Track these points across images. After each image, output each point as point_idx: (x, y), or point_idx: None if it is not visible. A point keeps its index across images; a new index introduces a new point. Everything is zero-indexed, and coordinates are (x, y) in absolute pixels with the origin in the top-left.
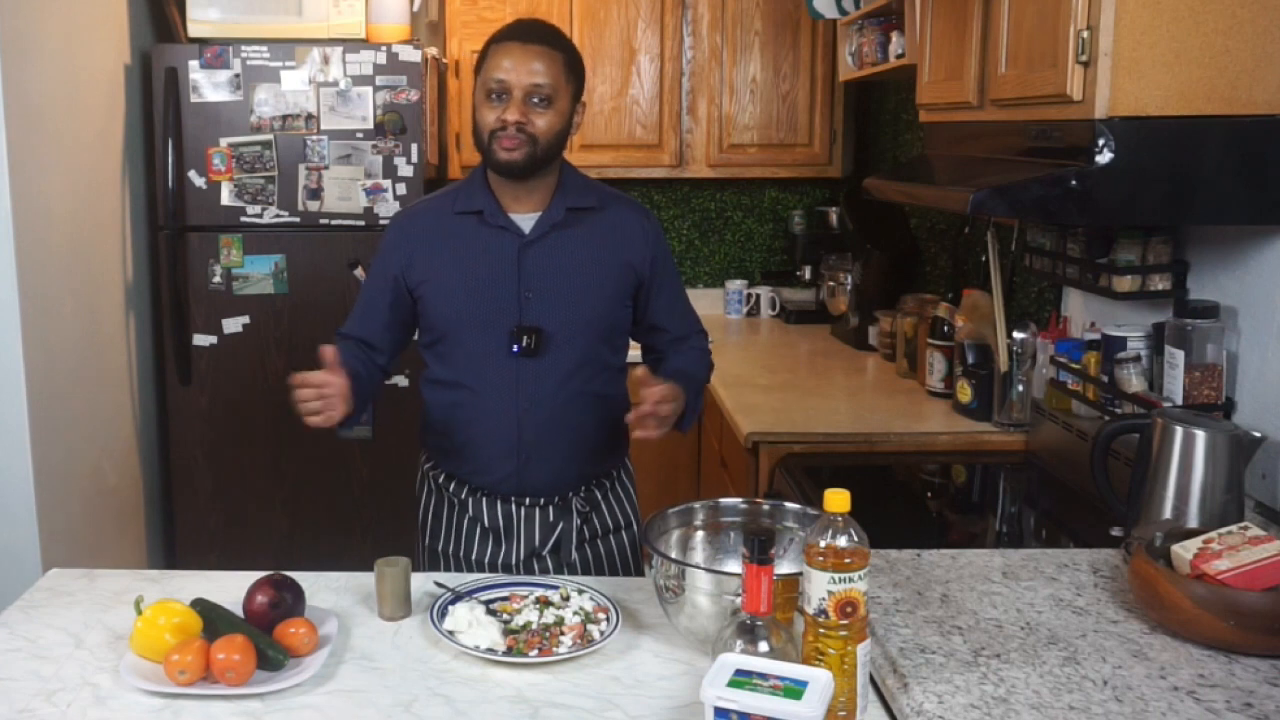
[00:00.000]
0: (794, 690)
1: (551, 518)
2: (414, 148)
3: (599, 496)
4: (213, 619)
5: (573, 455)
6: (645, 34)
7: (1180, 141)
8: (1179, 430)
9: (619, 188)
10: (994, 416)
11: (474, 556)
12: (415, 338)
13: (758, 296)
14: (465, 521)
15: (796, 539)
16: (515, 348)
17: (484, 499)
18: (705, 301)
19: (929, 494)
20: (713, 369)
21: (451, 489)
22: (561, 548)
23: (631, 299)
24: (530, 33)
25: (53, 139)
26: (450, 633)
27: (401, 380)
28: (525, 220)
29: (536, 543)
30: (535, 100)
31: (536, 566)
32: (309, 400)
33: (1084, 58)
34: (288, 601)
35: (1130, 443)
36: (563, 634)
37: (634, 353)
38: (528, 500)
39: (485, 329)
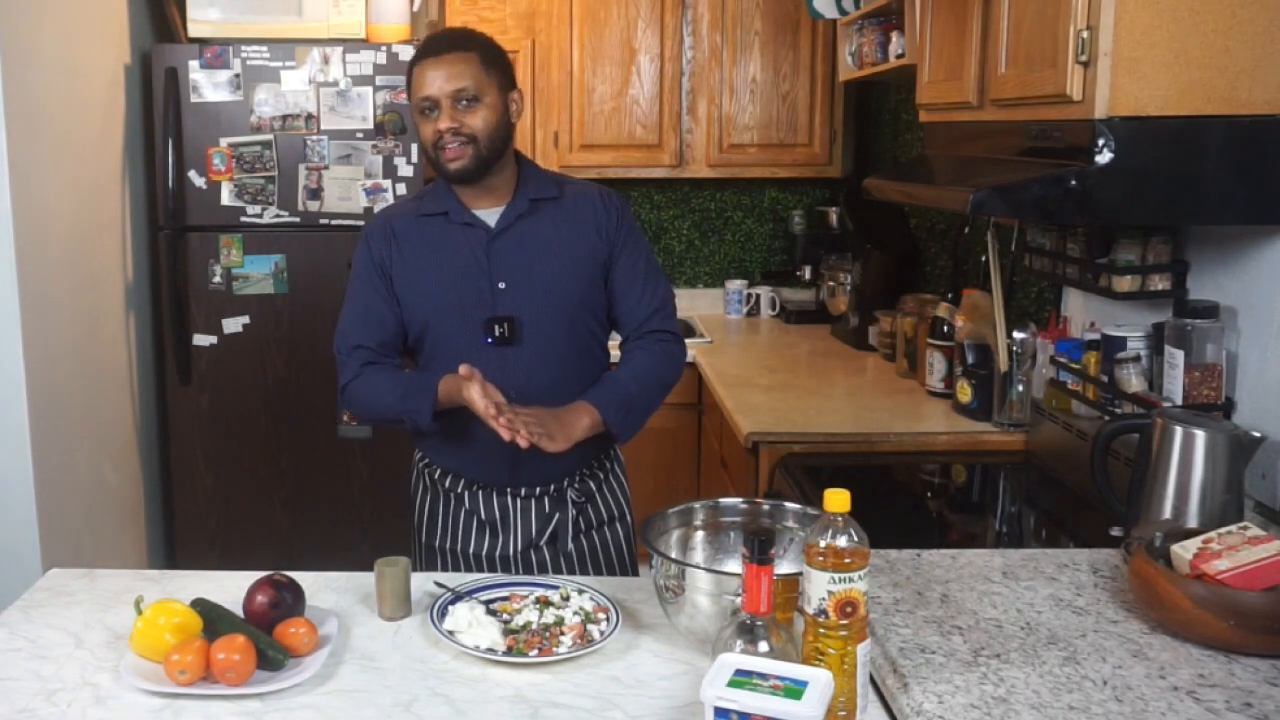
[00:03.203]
0: (794, 690)
1: (547, 508)
2: (414, 148)
3: (593, 487)
4: (213, 619)
5: None
6: (645, 34)
7: (1180, 141)
8: (1179, 430)
9: (619, 187)
10: (994, 416)
11: (471, 550)
12: None
13: (758, 296)
14: (461, 515)
15: (796, 539)
16: (489, 338)
17: (479, 491)
18: (705, 301)
19: (929, 494)
20: (671, 367)
21: (447, 484)
22: (558, 538)
23: (603, 278)
24: (440, 44)
25: (53, 139)
26: (450, 633)
27: None
28: (490, 215)
29: (533, 534)
30: (462, 103)
31: (534, 558)
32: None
33: (1084, 58)
34: (288, 601)
35: (1130, 443)
36: (563, 634)
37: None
38: (523, 491)
39: (462, 323)
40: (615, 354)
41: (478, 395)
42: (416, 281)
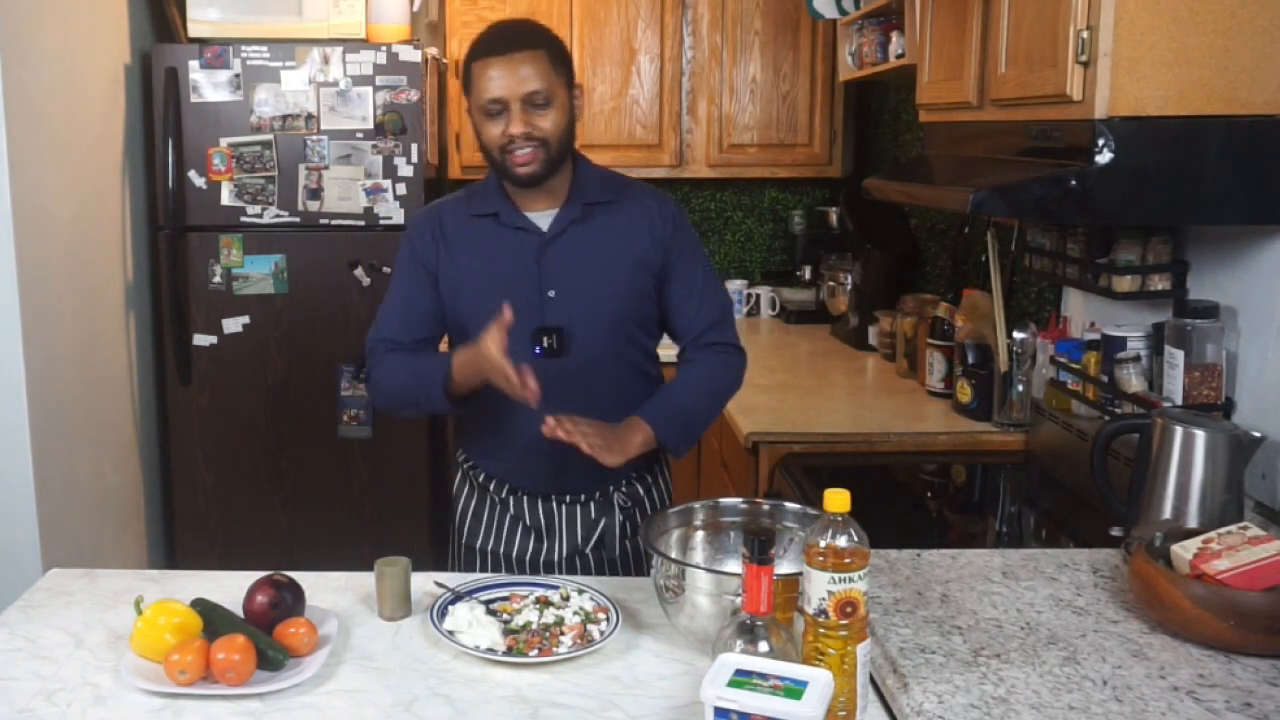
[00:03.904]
0: (794, 690)
1: (594, 514)
2: (414, 148)
3: (641, 492)
4: (213, 619)
5: None
6: (645, 34)
7: (1180, 141)
8: (1179, 430)
9: None
10: (994, 416)
11: (515, 554)
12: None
13: (758, 296)
14: (506, 520)
15: (796, 539)
16: (537, 349)
17: (525, 498)
18: None
19: (929, 494)
20: (731, 380)
21: (492, 488)
22: (606, 543)
23: (656, 289)
24: (506, 41)
25: (53, 139)
26: (450, 633)
27: None
28: (542, 218)
29: (579, 540)
30: (533, 105)
31: (579, 564)
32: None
33: (1084, 58)
34: (288, 601)
35: (1130, 443)
36: (563, 634)
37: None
38: (568, 498)
39: (509, 331)
40: (664, 355)
41: (493, 343)
42: (463, 285)
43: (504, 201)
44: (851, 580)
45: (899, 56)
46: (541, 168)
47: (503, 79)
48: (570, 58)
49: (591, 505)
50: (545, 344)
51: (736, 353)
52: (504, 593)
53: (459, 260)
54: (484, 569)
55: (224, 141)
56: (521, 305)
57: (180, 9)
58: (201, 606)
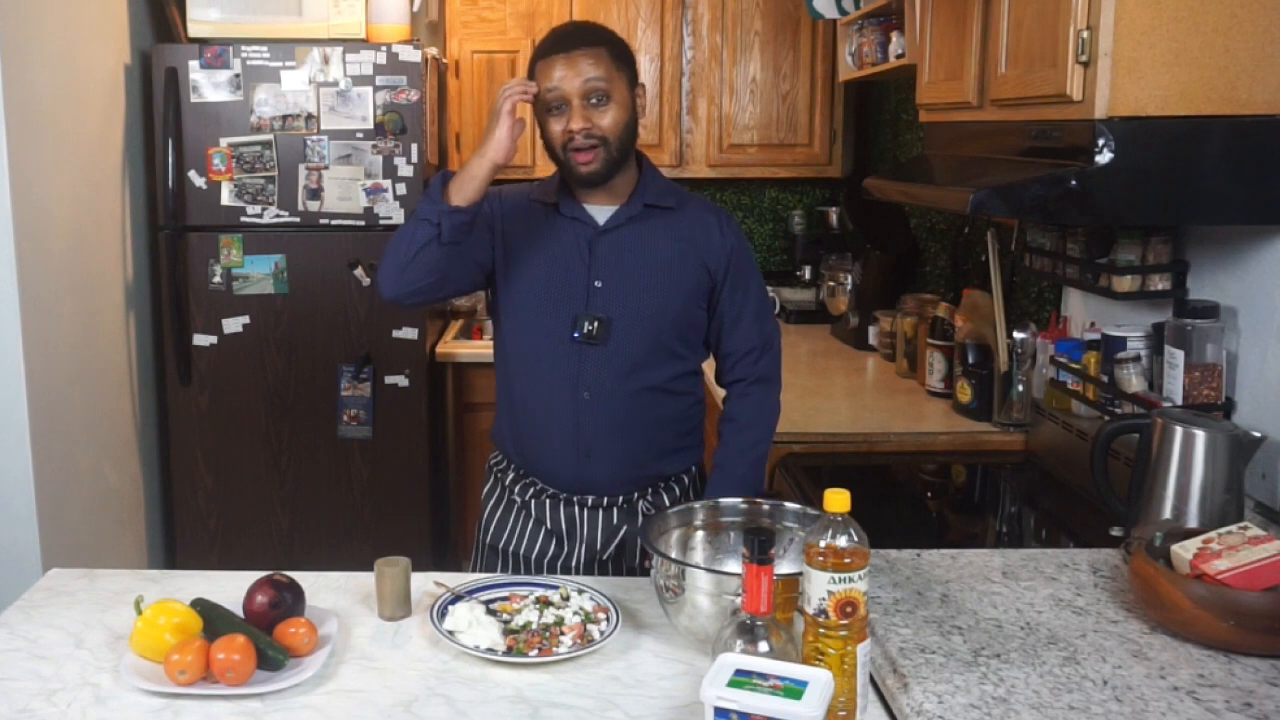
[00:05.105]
0: (794, 690)
1: (615, 520)
2: (414, 148)
3: (668, 501)
4: (213, 619)
5: (636, 451)
6: (645, 34)
7: (1180, 141)
8: (1179, 430)
9: None
10: (994, 416)
11: (534, 555)
12: (487, 314)
13: None
14: (531, 524)
15: (796, 539)
16: (576, 333)
17: (548, 500)
18: None
19: (929, 494)
20: (772, 430)
21: (516, 490)
22: (626, 551)
23: (706, 301)
24: (570, 39)
25: (53, 139)
26: (450, 633)
27: (401, 380)
28: (600, 212)
29: (599, 546)
30: (594, 101)
31: (597, 570)
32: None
33: (1084, 58)
34: (288, 601)
35: (1130, 443)
36: (563, 634)
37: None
38: (590, 500)
39: (552, 314)
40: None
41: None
42: (514, 260)
43: (565, 194)
44: (851, 580)
45: (899, 56)
46: (603, 166)
47: (564, 75)
48: (633, 58)
49: (615, 511)
50: (585, 329)
51: (775, 388)
52: (504, 593)
53: (514, 235)
54: (505, 569)
55: (224, 141)
56: (567, 291)
57: (180, 9)
58: (201, 606)
